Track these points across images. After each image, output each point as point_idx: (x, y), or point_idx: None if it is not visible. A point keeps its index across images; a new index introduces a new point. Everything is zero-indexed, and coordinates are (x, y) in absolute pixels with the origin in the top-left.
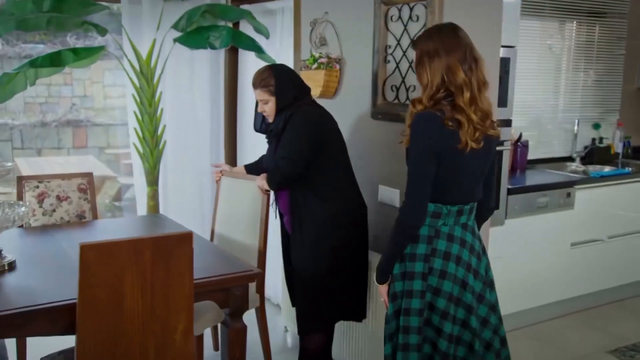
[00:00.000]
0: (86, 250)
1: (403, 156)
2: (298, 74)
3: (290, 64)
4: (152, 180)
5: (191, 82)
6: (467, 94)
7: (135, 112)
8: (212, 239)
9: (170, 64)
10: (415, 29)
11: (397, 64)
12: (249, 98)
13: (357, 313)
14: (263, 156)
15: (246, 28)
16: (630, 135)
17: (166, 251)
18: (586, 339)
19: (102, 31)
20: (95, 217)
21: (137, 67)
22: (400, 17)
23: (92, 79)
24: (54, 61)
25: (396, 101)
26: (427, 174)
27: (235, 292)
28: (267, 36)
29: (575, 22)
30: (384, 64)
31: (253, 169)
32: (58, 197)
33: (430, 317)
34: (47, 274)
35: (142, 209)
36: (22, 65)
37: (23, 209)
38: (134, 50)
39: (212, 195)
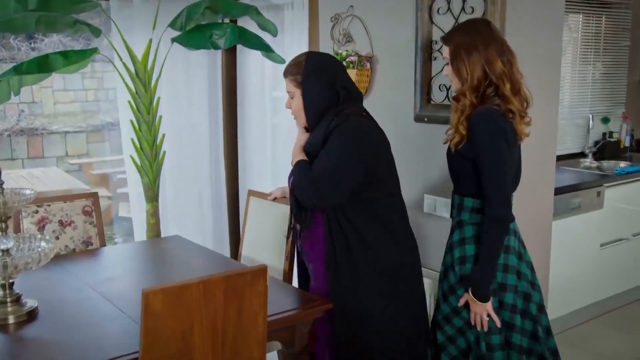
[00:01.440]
0: (152, 297)
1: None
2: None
3: None
4: (152, 195)
5: (188, 85)
6: (508, 85)
7: (132, 121)
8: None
9: (165, 66)
10: None
11: None
12: (250, 101)
13: None
14: None
15: (247, 25)
16: (634, 128)
17: (239, 290)
18: (619, 341)
19: (96, 31)
20: (102, 243)
21: (133, 71)
22: (449, 9)
23: (41, 83)
24: (42, 66)
25: (446, 102)
26: (510, 166)
27: (301, 329)
28: (274, 34)
29: (581, 14)
30: (429, 62)
31: None
32: (61, 223)
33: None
34: (78, 323)
35: (139, 228)
36: (6, 72)
37: (45, 244)
38: (128, 52)
39: (212, 209)
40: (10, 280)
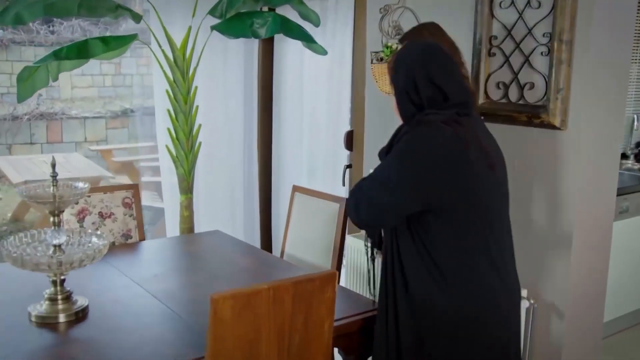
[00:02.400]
0: (221, 303)
1: (509, 162)
2: (450, 65)
3: (346, 55)
4: (187, 187)
5: (224, 75)
6: None
7: (169, 111)
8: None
9: (203, 55)
10: (534, 16)
11: (508, 57)
12: (285, 92)
13: None
14: None
15: (287, 14)
16: None
17: (307, 297)
18: None
19: (137, 17)
20: (142, 237)
21: (172, 58)
22: (513, 3)
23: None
24: (81, 52)
25: (504, 100)
26: None
27: (362, 336)
28: (317, 24)
29: None
30: (487, 58)
31: None
32: (101, 214)
33: None
34: (130, 324)
35: (171, 219)
36: (45, 57)
37: (97, 239)
38: (167, 39)
39: (243, 202)
40: (62, 277)
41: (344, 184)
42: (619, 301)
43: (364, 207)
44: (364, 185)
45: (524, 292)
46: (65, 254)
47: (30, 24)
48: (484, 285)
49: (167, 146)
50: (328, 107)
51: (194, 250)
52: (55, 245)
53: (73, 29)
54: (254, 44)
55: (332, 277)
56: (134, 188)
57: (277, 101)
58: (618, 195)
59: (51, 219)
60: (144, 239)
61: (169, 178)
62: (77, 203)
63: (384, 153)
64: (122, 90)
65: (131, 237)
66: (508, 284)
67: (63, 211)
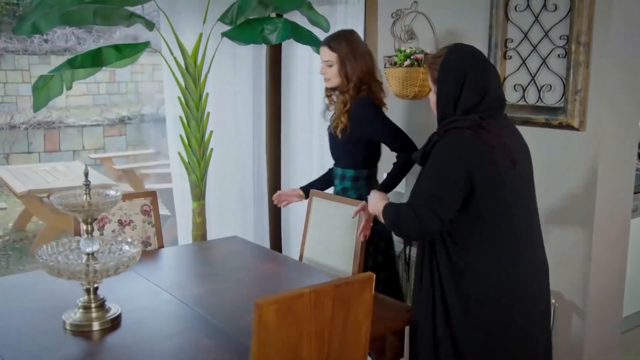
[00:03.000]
0: (265, 308)
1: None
2: (492, 70)
3: None
4: (199, 193)
5: (233, 81)
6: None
7: (181, 117)
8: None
9: (213, 62)
10: (551, 19)
11: (524, 60)
12: (295, 97)
13: None
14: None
15: (294, 19)
16: None
17: (346, 299)
18: None
19: (149, 25)
20: (160, 244)
21: (183, 65)
22: (529, 6)
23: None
24: (95, 60)
25: (522, 102)
26: None
27: (392, 338)
28: (326, 29)
29: None
30: (503, 61)
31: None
32: (120, 222)
33: None
34: (164, 331)
35: (183, 226)
36: (60, 66)
37: (128, 247)
38: (179, 46)
39: (253, 207)
40: (95, 285)
41: None
42: (636, 297)
43: (427, 216)
44: (415, 202)
45: None
46: (98, 261)
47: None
48: (512, 268)
49: (179, 153)
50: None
51: (214, 257)
52: (88, 254)
53: (67, 37)
54: (262, 50)
55: (369, 280)
56: (152, 195)
57: (286, 106)
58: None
59: (84, 227)
60: (163, 246)
61: (180, 184)
62: None
63: (419, 159)
64: (117, 98)
65: (150, 245)
66: (535, 263)
67: (96, 219)
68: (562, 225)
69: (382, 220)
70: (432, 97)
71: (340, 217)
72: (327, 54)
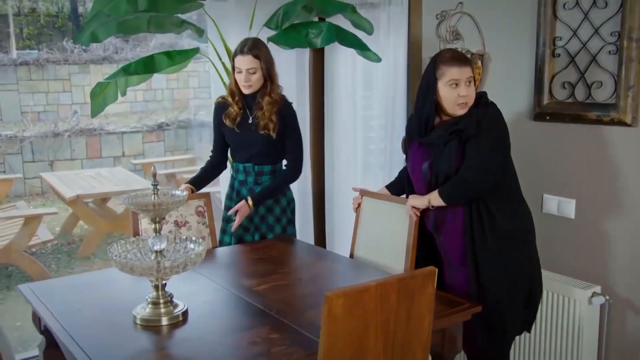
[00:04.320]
0: (334, 300)
1: (578, 160)
2: None
3: (400, 62)
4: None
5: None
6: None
7: None
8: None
9: None
10: (600, 16)
11: (573, 58)
12: (339, 100)
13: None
14: (402, 172)
15: (338, 23)
16: None
17: (410, 293)
18: None
19: (199, 31)
20: (214, 244)
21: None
22: (578, 3)
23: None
24: (148, 67)
25: (571, 100)
26: None
27: (450, 332)
28: (370, 32)
29: None
30: (552, 59)
31: (395, 188)
32: (176, 223)
33: None
34: (231, 326)
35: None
36: (115, 73)
37: (193, 245)
38: (227, 52)
39: (298, 209)
40: (163, 282)
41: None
42: None
43: (485, 182)
44: (482, 168)
45: (597, 289)
46: (166, 259)
47: (64, 43)
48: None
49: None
50: (383, 113)
51: (268, 256)
52: (156, 251)
53: (105, 47)
54: (305, 53)
55: (432, 274)
56: (206, 197)
57: (330, 109)
58: None
59: (153, 226)
60: (217, 246)
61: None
62: None
63: (474, 128)
64: (153, 105)
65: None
66: None
67: (164, 218)
68: (616, 222)
69: (435, 204)
70: (472, 90)
71: (390, 215)
72: (251, 62)
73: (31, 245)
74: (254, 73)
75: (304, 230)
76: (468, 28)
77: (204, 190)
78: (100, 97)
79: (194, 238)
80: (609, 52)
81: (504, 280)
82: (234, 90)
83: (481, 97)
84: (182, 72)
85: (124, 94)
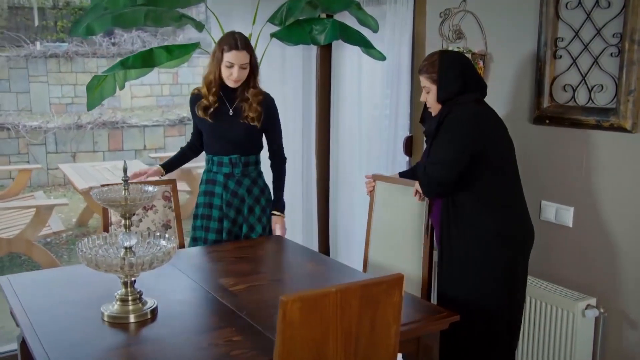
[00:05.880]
0: (290, 305)
1: (577, 166)
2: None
3: (405, 59)
4: None
5: (282, 81)
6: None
7: None
8: (364, 266)
9: (262, 62)
10: (603, 16)
11: (575, 59)
12: (344, 99)
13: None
14: (418, 164)
15: (344, 20)
16: None
17: (373, 300)
18: None
19: (199, 26)
20: (180, 227)
21: None
22: (580, 3)
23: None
24: (146, 61)
25: (572, 103)
26: None
27: (426, 341)
28: (375, 30)
29: None
30: (553, 60)
31: (407, 176)
32: (144, 207)
33: None
34: (199, 326)
35: None
36: (113, 67)
37: (165, 242)
38: None
39: (302, 206)
40: (132, 279)
41: None
42: None
43: (442, 175)
44: (438, 163)
45: (592, 301)
46: (135, 256)
47: (94, 37)
48: (527, 217)
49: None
50: (387, 112)
51: (254, 255)
52: (126, 248)
53: (133, 41)
54: (312, 51)
55: (399, 280)
56: (172, 183)
57: (335, 107)
58: None
59: (122, 221)
60: (182, 229)
61: None
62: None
63: (432, 134)
64: (179, 100)
65: (170, 227)
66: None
67: (134, 214)
68: (613, 230)
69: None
70: (430, 96)
71: (405, 205)
72: (245, 57)
73: (43, 235)
74: (245, 68)
75: (307, 229)
76: (471, 27)
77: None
78: (97, 90)
79: (167, 235)
80: (611, 54)
81: (467, 283)
82: (213, 81)
83: (453, 99)
84: None
85: (122, 87)
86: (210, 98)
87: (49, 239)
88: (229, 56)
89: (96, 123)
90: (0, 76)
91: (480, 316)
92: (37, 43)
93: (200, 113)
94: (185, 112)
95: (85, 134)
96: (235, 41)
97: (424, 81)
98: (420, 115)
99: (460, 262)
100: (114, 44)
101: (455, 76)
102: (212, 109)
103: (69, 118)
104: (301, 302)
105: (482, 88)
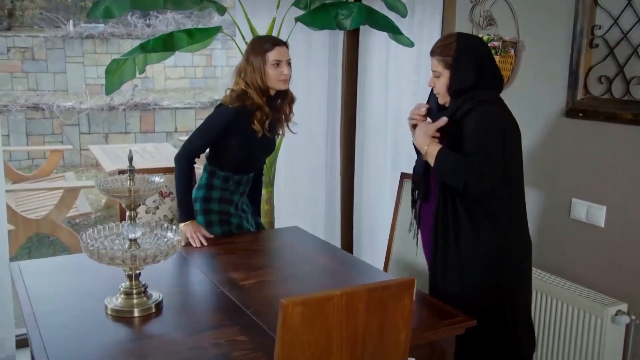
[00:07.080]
0: (291, 309)
1: (611, 163)
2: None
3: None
4: (268, 180)
5: (307, 67)
6: None
7: None
8: (386, 264)
9: None
10: None
11: (612, 49)
12: (371, 86)
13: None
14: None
15: (372, 4)
16: None
17: (382, 305)
18: None
19: (221, 9)
20: None
21: None
22: None
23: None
24: (167, 45)
25: (607, 96)
26: None
27: (440, 346)
28: (404, 14)
29: None
30: (589, 49)
31: None
32: (161, 194)
33: None
34: (205, 322)
35: None
36: (133, 50)
37: (172, 234)
38: (251, 31)
39: (325, 197)
40: (137, 272)
41: None
42: None
43: (487, 172)
44: (477, 159)
45: (623, 306)
46: (140, 248)
47: (129, 18)
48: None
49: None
50: (415, 100)
51: (270, 247)
52: (131, 239)
53: (167, 22)
54: (339, 36)
55: (409, 285)
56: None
57: (362, 95)
58: None
59: (127, 212)
60: None
61: None
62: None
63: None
64: (213, 82)
65: None
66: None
67: (139, 205)
68: None
69: (427, 158)
70: (440, 82)
71: None
72: (287, 52)
73: (70, 216)
74: (290, 65)
75: (329, 220)
76: (503, 13)
77: None
78: (117, 74)
79: (174, 227)
80: None
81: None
82: (261, 90)
83: (470, 93)
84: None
85: (142, 71)
86: (266, 109)
87: (77, 220)
88: (274, 54)
89: (128, 105)
90: (38, 56)
91: (484, 336)
92: (70, 22)
93: (257, 127)
94: (217, 95)
95: (117, 115)
96: (273, 38)
97: (436, 64)
98: (427, 101)
99: (457, 280)
100: (148, 26)
101: (472, 66)
102: (266, 122)
103: (102, 99)
104: (303, 305)
105: (498, 83)
